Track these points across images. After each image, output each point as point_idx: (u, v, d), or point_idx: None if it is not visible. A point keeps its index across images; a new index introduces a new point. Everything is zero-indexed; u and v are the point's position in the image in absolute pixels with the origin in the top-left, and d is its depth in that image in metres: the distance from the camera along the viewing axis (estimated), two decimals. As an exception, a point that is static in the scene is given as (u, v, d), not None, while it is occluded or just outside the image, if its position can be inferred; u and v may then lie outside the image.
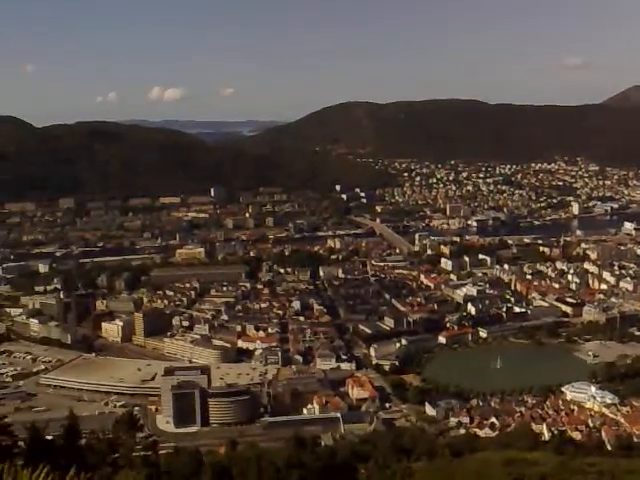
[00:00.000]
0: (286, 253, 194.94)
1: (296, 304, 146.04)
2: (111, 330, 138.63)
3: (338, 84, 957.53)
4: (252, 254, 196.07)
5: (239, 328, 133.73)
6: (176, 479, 29.24)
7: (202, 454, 48.56)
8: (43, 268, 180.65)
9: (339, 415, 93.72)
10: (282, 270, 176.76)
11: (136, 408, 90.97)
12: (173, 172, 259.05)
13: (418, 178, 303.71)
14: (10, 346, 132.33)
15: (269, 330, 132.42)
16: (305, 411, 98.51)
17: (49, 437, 20.05)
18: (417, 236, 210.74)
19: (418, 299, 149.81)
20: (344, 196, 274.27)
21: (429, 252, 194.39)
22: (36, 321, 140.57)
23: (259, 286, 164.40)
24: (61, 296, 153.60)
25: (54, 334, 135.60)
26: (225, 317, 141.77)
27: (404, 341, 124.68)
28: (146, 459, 25.18)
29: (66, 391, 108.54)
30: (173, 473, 30.12)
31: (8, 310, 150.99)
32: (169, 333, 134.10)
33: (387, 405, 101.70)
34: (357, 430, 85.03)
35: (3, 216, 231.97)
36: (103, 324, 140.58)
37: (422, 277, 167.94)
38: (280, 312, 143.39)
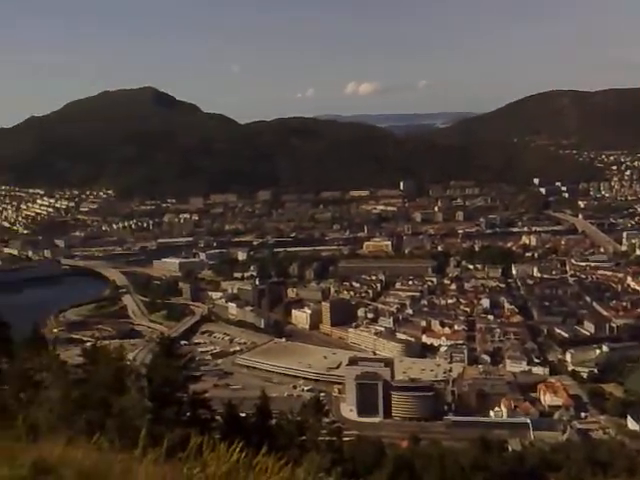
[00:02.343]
0: (476, 249, 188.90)
1: (485, 302, 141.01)
2: (300, 317, 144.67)
3: (539, 73, 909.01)
4: (440, 249, 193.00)
5: (424, 323, 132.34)
6: (358, 467, 29.11)
7: (384, 445, 48.55)
8: (242, 256, 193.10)
9: (528, 421, 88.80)
10: (471, 266, 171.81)
11: (321, 394, 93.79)
12: (364, 166, 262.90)
13: (628, 172, 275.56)
14: (211, 327, 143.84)
15: (455, 327, 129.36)
16: (492, 414, 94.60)
17: (243, 414, 20.69)
18: (625, 235, 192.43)
19: (624, 303, 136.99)
20: (543, 190, 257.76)
21: (638, 252, 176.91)
22: (234, 305, 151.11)
23: (446, 281, 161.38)
24: (256, 283, 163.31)
25: (249, 318, 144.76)
26: (410, 311, 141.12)
27: (606, 348, 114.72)
28: (331, 444, 25.12)
29: (258, 372, 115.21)
30: (356, 461, 30.04)
31: (210, 293, 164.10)
32: (354, 324, 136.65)
33: (583, 415, 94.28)
34: (548, 438, 79.77)
35: (208, 207, 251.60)
36: (293, 311, 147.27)
37: (629, 280, 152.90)
38: (467, 309, 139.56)
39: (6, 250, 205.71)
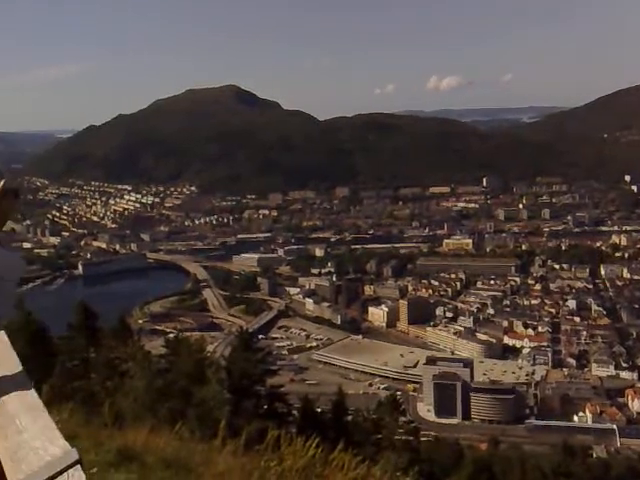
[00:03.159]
0: (563, 248, 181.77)
1: (571, 303, 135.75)
2: (377, 315, 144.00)
3: (632, 65, 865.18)
4: (524, 247, 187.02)
5: (506, 324, 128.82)
6: (436, 468, 28.67)
7: (462, 447, 47.62)
8: (319, 252, 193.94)
9: (615, 427, 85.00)
10: (557, 266, 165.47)
11: (398, 392, 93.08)
12: (445, 162, 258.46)
13: None
14: (288, 322, 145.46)
15: (539, 329, 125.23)
16: (575, 419, 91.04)
17: (318, 410, 20.73)
18: None
19: None
20: (634, 187, 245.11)
21: None
22: (311, 301, 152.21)
23: (530, 281, 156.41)
24: (333, 279, 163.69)
25: (326, 314, 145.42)
26: (491, 311, 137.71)
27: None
28: (407, 444, 24.88)
29: (334, 368, 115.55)
30: (433, 462, 29.60)
31: (287, 289, 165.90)
32: (432, 322, 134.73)
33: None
34: (635, 446, 76.23)
35: (287, 203, 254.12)
36: (370, 308, 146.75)
37: None
38: (552, 310, 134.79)
39: (95, 243, 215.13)
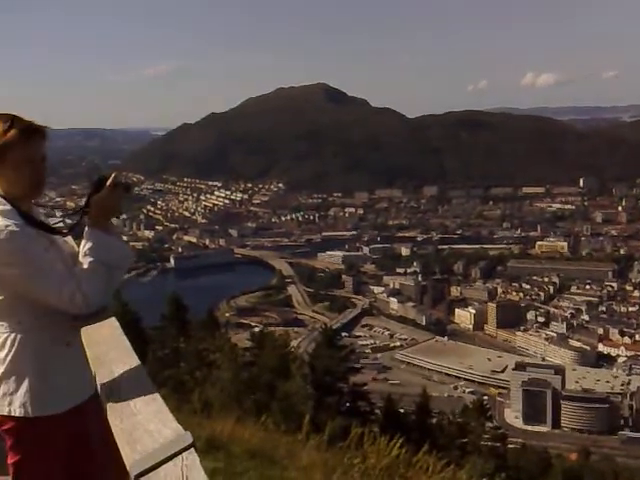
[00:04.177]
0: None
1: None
2: (463, 317, 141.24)
3: None
4: (622, 251, 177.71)
5: (601, 331, 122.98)
6: (523, 476, 27.92)
7: (551, 456, 45.96)
8: (405, 251, 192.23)
9: None
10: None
11: (484, 397, 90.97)
12: (539, 161, 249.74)
13: None
14: (371, 320, 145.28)
15: (636, 337, 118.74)
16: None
17: (401, 410, 20.54)
18: None
19: None
20: None
21: None
22: (395, 300, 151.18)
23: (628, 287, 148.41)
24: (419, 279, 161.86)
25: (410, 314, 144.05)
26: (586, 317, 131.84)
27: None
28: (494, 450, 24.33)
29: (418, 369, 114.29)
30: (520, 469, 28.83)
31: (372, 287, 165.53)
32: (522, 327, 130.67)
33: None
34: None
35: (373, 202, 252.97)
36: (456, 310, 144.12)
37: None
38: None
39: (186, 238, 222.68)
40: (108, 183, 2.32)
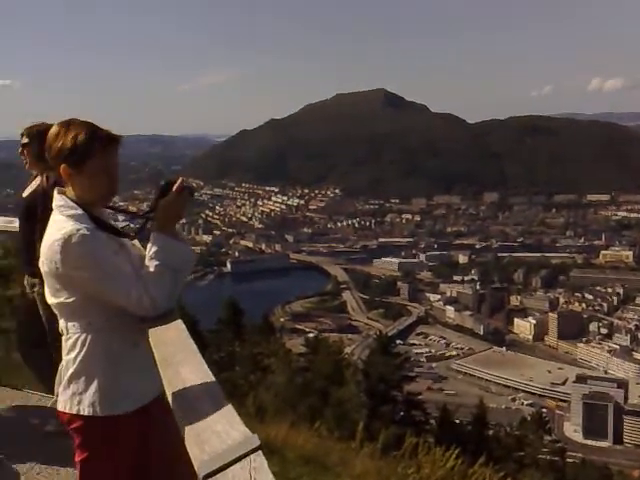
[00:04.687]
0: None
1: None
2: (523, 327, 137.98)
3: None
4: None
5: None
6: (582, 492, 27.04)
7: (612, 473, 44.33)
8: (463, 259, 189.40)
9: None
10: None
11: (543, 410, 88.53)
12: (605, 168, 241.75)
13: None
14: (427, 329, 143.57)
15: None
16: None
17: (457, 421, 20.20)
18: None
19: None
20: None
21: None
22: (452, 308, 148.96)
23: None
24: (477, 287, 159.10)
25: (467, 323, 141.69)
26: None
27: None
28: (552, 464, 23.70)
29: (475, 380, 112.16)
30: (580, 486, 27.90)
31: (428, 295, 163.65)
32: (584, 338, 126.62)
33: None
34: None
35: (431, 208, 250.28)
36: (515, 320, 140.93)
37: None
38: None
39: (243, 242, 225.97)
40: (174, 188, 2.36)
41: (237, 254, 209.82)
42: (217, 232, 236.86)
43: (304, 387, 16.63)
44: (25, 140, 4.23)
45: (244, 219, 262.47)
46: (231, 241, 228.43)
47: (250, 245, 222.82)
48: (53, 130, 2.35)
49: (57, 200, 2.34)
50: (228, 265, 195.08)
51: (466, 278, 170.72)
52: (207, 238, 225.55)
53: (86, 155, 2.28)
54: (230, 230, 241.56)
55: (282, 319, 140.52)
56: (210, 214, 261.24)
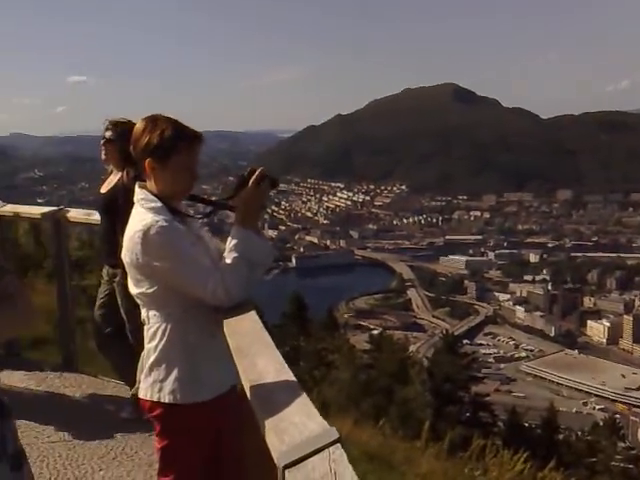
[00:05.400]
0: None
1: None
2: (596, 329, 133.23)
3: None
4: None
5: None
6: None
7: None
8: (534, 258, 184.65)
9: None
10: None
11: (617, 415, 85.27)
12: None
13: None
14: (495, 329, 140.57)
15: None
16: None
17: (526, 424, 19.74)
18: None
19: None
20: None
21: None
22: (522, 309, 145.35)
23: None
24: (549, 288, 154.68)
25: (538, 324, 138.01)
26: None
27: None
28: (626, 471, 22.84)
29: (545, 382, 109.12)
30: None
31: (497, 294, 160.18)
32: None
33: None
34: None
35: (501, 205, 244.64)
36: (588, 322, 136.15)
37: None
38: None
39: (307, 238, 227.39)
40: (253, 178, 2.40)
41: (302, 249, 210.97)
42: (282, 227, 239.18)
43: (368, 384, 16.62)
44: (110, 135, 4.34)
45: (309, 215, 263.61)
46: (296, 236, 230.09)
47: (315, 241, 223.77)
48: (139, 125, 2.42)
49: (138, 194, 2.44)
50: (293, 260, 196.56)
51: (537, 278, 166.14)
52: (272, 233, 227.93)
53: (172, 151, 2.35)
54: (295, 226, 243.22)
55: (346, 315, 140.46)
56: (276, 209, 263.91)
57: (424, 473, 5.96)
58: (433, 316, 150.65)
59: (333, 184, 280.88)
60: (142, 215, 2.36)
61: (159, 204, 2.38)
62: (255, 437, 1.84)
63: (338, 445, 1.42)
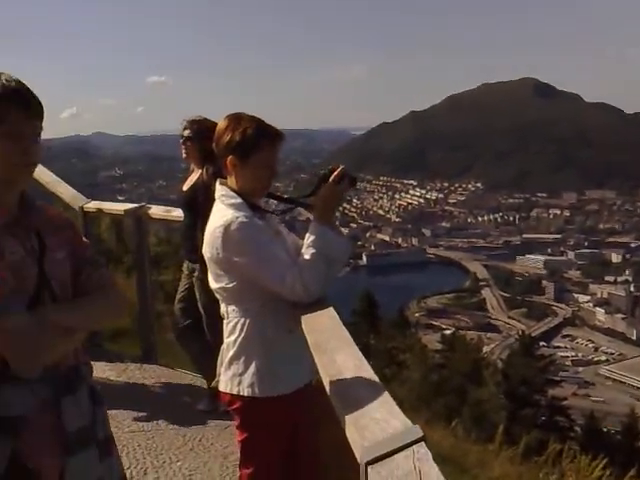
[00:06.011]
0: None
1: None
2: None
3: None
4: None
5: None
6: None
7: None
8: (616, 258, 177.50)
9: None
10: None
11: None
12: None
13: None
14: (573, 331, 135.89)
15: None
16: None
17: (604, 429, 19.02)
18: None
19: None
20: None
21: None
22: (602, 311, 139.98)
23: None
24: (631, 289, 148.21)
25: (619, 327, 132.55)
26: None
27: None
28: None
29: (625, 387, 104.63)
30: None
31: (576, 295, 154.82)
32: None
33: None
34: None
35: (582, 203, 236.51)
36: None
37: None
38: None
39: (379, 236, 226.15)
40: (333, 177, 2.43)
41: (373, 247, 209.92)
42: (354, 225, 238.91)
43: (440, 384, 16.44)
44: (188, 133, 4.46)
45: (381, 212, 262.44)
46: (367, 234, 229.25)
47: (386, 239, 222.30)
48: (222, 123, 2.46)
49: (219, 190, 2.52)
50: (364, 258, 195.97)
51: (619, 279, 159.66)
52: (344, 231, 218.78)
53: (254, 149, 2.40)
54: (367, 223, 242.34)
55: (417, 314, 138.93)
56: (347, 207, 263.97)
57: (497, 477, 5.85)
58: (508, 317, 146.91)
59: (406, 181, 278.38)
60: (223, 211, 2.42)
61: (239, 200, 2.45)
62: (332, 433, 1.83)
63: (422, 444, 1.38)
